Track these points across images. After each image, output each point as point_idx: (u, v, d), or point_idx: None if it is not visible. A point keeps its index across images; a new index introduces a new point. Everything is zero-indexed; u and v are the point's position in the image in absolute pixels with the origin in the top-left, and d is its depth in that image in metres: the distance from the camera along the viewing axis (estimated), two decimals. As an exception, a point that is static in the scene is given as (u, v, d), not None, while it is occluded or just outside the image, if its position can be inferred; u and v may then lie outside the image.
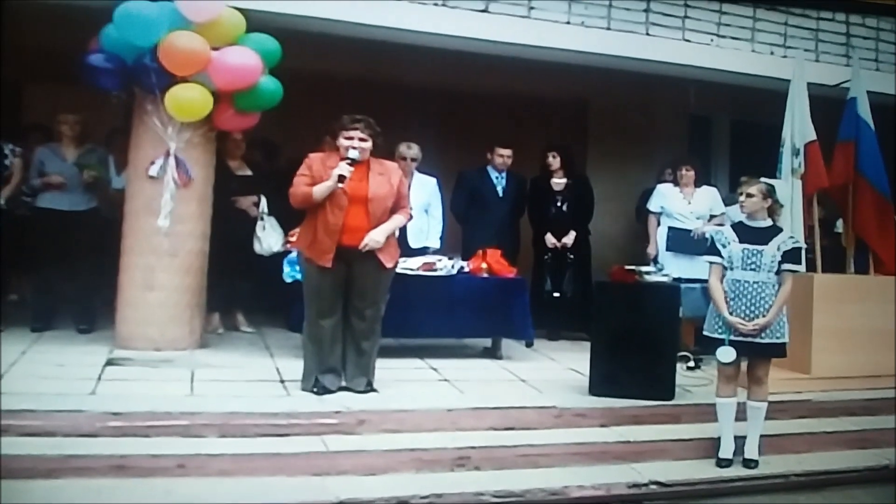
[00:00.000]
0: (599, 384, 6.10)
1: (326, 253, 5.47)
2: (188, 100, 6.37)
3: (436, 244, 7.76)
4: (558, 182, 8.46)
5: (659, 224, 8.15)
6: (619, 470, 5.05)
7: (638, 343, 6.00)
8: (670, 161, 8.83)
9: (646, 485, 4.91)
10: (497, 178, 8.39)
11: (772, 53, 8.45)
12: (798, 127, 7.24)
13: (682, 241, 7.86)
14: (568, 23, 7.73)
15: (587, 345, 6.37)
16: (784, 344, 5.25)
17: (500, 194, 8.39)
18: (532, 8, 7.61)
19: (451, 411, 5.53)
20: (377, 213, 5.58)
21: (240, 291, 7.78)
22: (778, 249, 5.19)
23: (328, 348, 5.64)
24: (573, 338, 8.15)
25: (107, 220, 7.16)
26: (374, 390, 5.75)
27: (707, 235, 5.67)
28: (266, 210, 7.51)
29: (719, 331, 5.23)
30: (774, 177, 6.84)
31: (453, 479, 4.74)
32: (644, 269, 6.65)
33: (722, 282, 5.28)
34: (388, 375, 6.01)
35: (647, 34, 8.01)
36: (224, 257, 7.01)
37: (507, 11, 7.52)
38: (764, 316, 5.14)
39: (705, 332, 5.36)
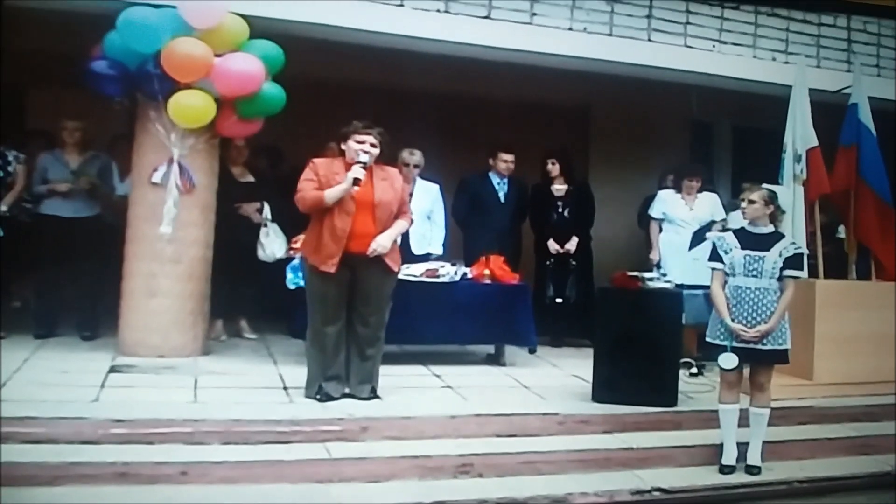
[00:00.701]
0: (602, 391, 6.09)
1: (332, 258, 5.47)
2: (191, 106, 6.39)
3: (438, 250, 7.76)
4: (559, 188, 8.47)
5: (661, 230, 8.14)
6: (622, 476, 5.06)
7: (641, 349, 5.99)
8: (672, 167, 8.83)
9: (649, 491, 4.92)
10: (499, 183, 8.40)
11: (773, 59, 8.46)
12: (800, 132, 7.24)
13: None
14: (570, 29, 7.74)
15: (590, 351, 6.36)
16: (786, 350, 5.25)
17: (503, 200, 8.40)
18: (534, 14, 7.62)
19: (455, 418, 5.52)
20: (383, 219, 5.59)
21: (243, 298, 7.78)
22: (780, 255, 5.20)
23: (332, 355, 5.64)
24: (576, 344, 8.14)
25: (110, 226, 7.15)
26: (378, 397, 5.74)
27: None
28: (269, 216, 7.51)
29: (721, 337, 5.24)
30: (776, 183, 6.86)
31: (456, 486, 4.74)
32: (647, 275, 6.64)
33: (724, 288, 5.29)
34: (392, 382, 6.00)
35: (649, 40, 8.02)
36: (227, 264, 7.02)
37: (509, 18, 7.53)
38: (766, 322, 5.15)
39: (707, 339, 5.37)
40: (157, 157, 6.58)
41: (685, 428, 5.84)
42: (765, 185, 5.43)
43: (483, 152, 8.53)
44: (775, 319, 5.14)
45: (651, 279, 6.56)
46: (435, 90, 8.89)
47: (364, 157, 5.50)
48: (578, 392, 6.32)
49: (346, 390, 5.71)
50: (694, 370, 7.15)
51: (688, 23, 8.18)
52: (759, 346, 5.17)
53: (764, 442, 5.32)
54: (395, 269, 5.74)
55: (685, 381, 6.65)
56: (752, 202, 5.32)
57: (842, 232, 8.02)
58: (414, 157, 7.62)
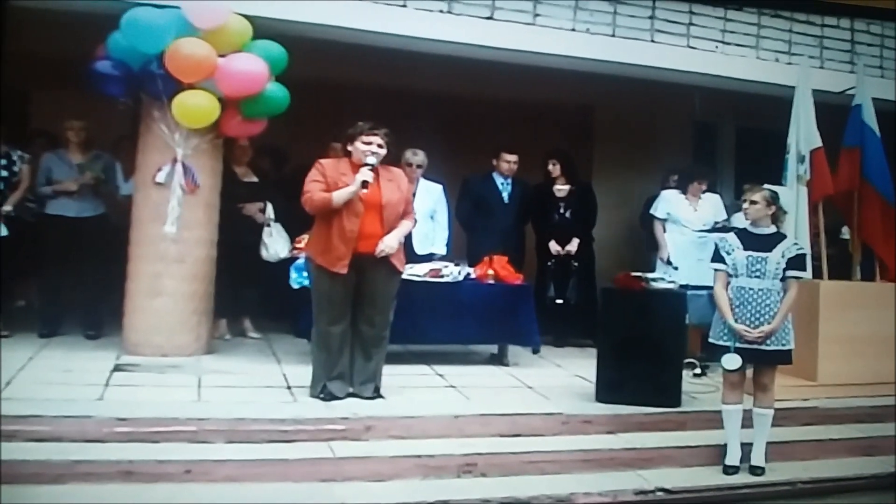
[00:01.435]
0: (606, 391, 6.09)
1: (342, 259, 5.47)
2: (195, 106, 6.40)
3: (442, 251, 7.76)
4: (561, 189, 8.48)
5: (665, 230, 8.13)
6: (626, 477, 5.05)
7: (644, 350, 5.99)
8: (676, 167, 8.83)
9: (652, 492, 4.91)
10: (503, 184, 8.41)
11: (776, 60, 8.45)
12: (803, 134, 7.25)
13: None
14: (573, 30, 7.74)
15: (593, 351, 6.37)
16: (790, 351, 5.24)
17: (506, 200, 8.41)
18: (537, 15, 7.63)
19: (458, 418, 5.53)
20: (390, 220, 5.60)
21: (247, 297, 7.80)
22: (782, 256, 5.19)
23: (337, 355, 5.64)
24: (579, 344, 8.15)
25: (114, 226, 7.18)
26: (381, 396, 5.76)
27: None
28: (272, 216, 7.54)
29: (725, 338, 5.24)
30: (780, 184, 6.85)
31: (460, 486, 4.74)
32: (650, 275, 6.65)
33: (727, 289, 5.29)
34: (395, 382, 6.01)
35: (652, 41, 8.01)
36: (231, 263, 7.04)
37: (512, 19, 7.53)
38: (769, 323, 5.14)
39: (711, 340, 5.36)
40: (161, 157, 6.60)
41: (689, 428, 5.84)
42: (766, 186, 5.42)
43: (486, 153, 8.54)
44: (778, 320, 5.14)
45: (654, 280, 6.56)
46: (438, 90, 8.89)
47: (372, 159, 5.51)
48: (582, 392, 6.33)
49: (350, 390, 5.72)
50: (697, 371, 7.16)
51: (691, 23, 8.18)
52: (763, 347, 5.16)
53: (768, 443, 5.31)
54: (401, 270, 5.75)
55: (689, 381, 6.64)
56: (753, 203, 5.31)
57: (846, 233, 8.02)
58: (417, 157, 7.62)
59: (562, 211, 8.46)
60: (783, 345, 5.20)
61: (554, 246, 8.33)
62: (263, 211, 7.55)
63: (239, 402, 5.45)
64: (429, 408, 5.67)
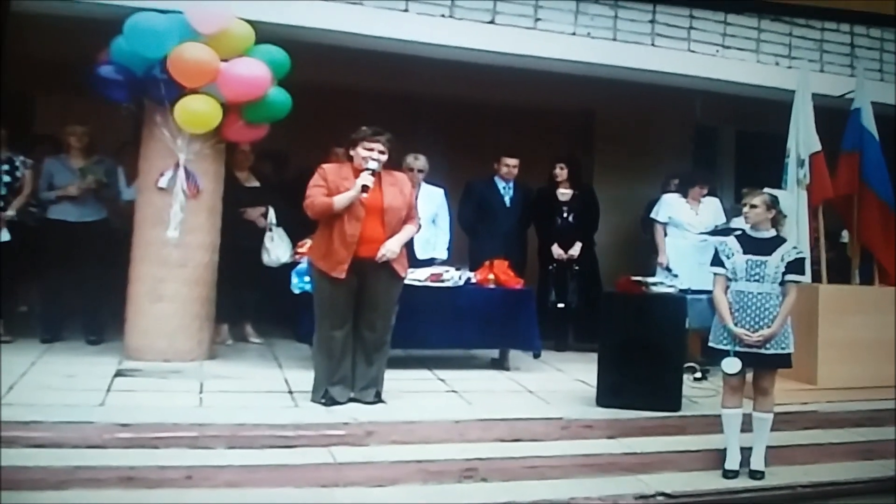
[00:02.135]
0: (606, 395, 6.10)
1: (342, 264, 5.49)
2: (197, 111, 6.42)
3: (443, 255, 7.78)
4: (564, 193, 8.50)
5: (666, 234, 8.14)
6: (626, 481, 5.06)
7: (644, 354, 5.99)
8: (677, 172, 8.84)
9: (652, 496, 4.92)
10: (504, 188, 8.42)
11: (777, 64, 8.46)
12: (803, 137, 7.25)
13: None
14: (574, 34, 7.75)
15: (594, 356, 6.36)
16: (789, 354, 5.25)
17: (508, 204, 8.42)
18: (538, 19, 7.64)
19: (459, 422, 5.53)
20: (392, 224, 5.62)
21: (248, 302, 7.81)
22: (782, 260, 5.20)
23: (338, 359, 5.65)
24: (580, 349, 8.13)
25: (116, 231, 7.19)
26: (383, 401, 5.76)
27: None
28: (274, 221, 7.55)
29: (724, 342, 5.24)
30: (780, 188, 6.87)
31: (461, 491, 4.76)
32: (650, 280, 6.66)
33: (727, 293, 5.30)
34: (396, 386, 6.02)
35: (653, 45, 8.03)
36: (233, 268, 7.05)
37: (513, 23, 7.54)
38: (769, 327, 5.14)
39: (711, 344, 5.36)
40: (164, 162, 6.61)
41: (689, 432, 5.85)
42: (766, 190, 5.43)
43: (487, 157, 8.55)
44: (778, 324, 5.14)
45: (655, 284, 6.58)
46: (439, 95, 8.91)
47: (373, 164, 5.53)
48: (582, 396, 6.34)
49: (352, 395, 5.72)
50: (698, 375, 7.17)
51: (691, 27, 8.19)
52: (763, 351, 5.17)
53: (767, 447, 5.32)
54: (403, 275, 5.75)
55: (689, 385, 6.65)
56: (753, 206, 5.32)
57: (845, 237, 8.03)
58: (418, 161, 7.64)
59: (565, 215, 8.47)
60: (783, 348, 5.21)
61: (557, 250, 8.34)
62: (265, 216, 7.57)
63: (240, 408, 5.47)
64: (430, 413, 5.68)
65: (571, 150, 8.86)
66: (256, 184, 7.75)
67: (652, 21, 8.04)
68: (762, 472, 5.26)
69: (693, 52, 8.18)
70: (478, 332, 7.05)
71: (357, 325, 5.70)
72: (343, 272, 5.49)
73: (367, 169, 5.51)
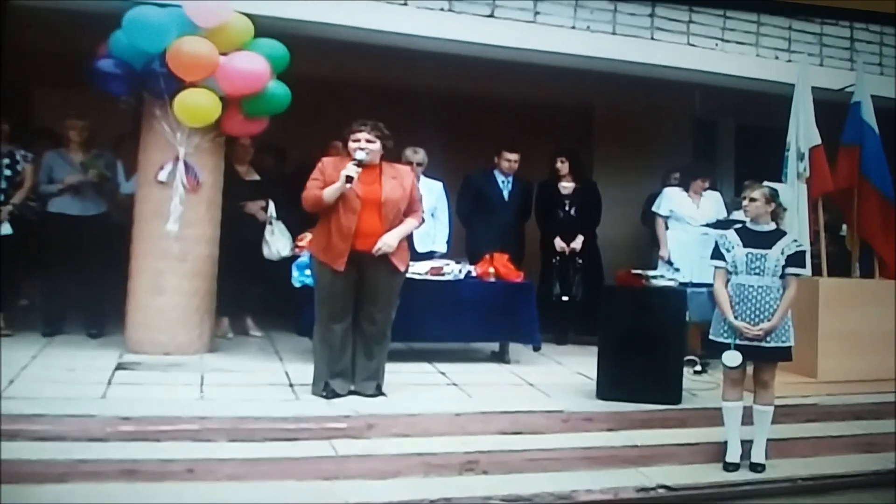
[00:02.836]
0: (607, 388, 6.10)
1: (340, 257, 5.48)
2: (196, 105, 6.41)
3: (442, 248, 7.80)
4: (566, 186, 8.50)
5: (667, 228, 8.13)
6: (627, 474, 5.08)
7: (645, 347, 5.99)
8: (677, 165, 8.83)
9: (653, 489, 4.94)
10: (503, 181, 8.42)
11: (776, 58, 8.46)
12: (803, 131, 7.24)
13: None
14: (573, 28, 7.74)
15: (594, 349, 6.37)
16: (789, 348, 5.27)
17: (507, 198, 8.42)
18: (538, 13, 7.63)
19: (460, 415, 5.53)
20: (390, 217, 5.60)
21: (249, 296, 7.79)
22: (782, 253, 5.21)
23: (339, 352, 5.65)
24: (581, 342, 8.15)
25: (116, 224, 7.19)
26: (383, 394, 5.76)
27: None
28: (274, 214, 7.54)
29: (725, 335, 5.26)
30: (780, 181, 6.86)
31: (462, 483, 4.77)
32: (650, 273, 6.66)
33: (727, 286, 5.30)
34: (397, 379, 6.03)
35: (652, 39, 8.02)
36: (233, 262, 7.05)
37: (512, 17, 7.53)
38: (769, 320, 5.16)
39: (711, 337, 5.39)
40: (163, 156, 6.61)
41: (689, 425, 5.86)
42: (766, 183, 5.43)
43: (486, 150, 8.55)
44: (778, 317, 5.16)
45: (655, 277, 6.58)
46: (438, 88, 8.91)
47: (360, 155, 5.50)
48: (583, 389, 6.34)
49: (352, 387, 5.72)
50: (698, 368, 7.18)
51: (691, 21, 8.18)
52: (763, 344, 5.18)
53: (768, 439, 5.34)
54: (402, 269, 5.74)
55: (689, 378, 6.66)
56: (753, 200, 5.33)
57: (845, 230, 8.03)
58: (417, 155, 7.64)
59: (567, 208, 8.48)
60: (783, 341, 5.23)
61: (559, 243, 8.35)
62: (265, 209, 7.55)
63: (241, 401, 5.46)
64: (430, 405, 5.68)
65: (569, 143, 8.83)
66: (256, 177, 7.75)
67: (651, 15, 8.04)
68: (763, 465, 5.28)
69: (693, 45, 8.17)
70: (478, 325, 7.06)
71: (357, 319, 5.70)
72: (342, 265, 5.49)
73: (354, 160, 5.50)
